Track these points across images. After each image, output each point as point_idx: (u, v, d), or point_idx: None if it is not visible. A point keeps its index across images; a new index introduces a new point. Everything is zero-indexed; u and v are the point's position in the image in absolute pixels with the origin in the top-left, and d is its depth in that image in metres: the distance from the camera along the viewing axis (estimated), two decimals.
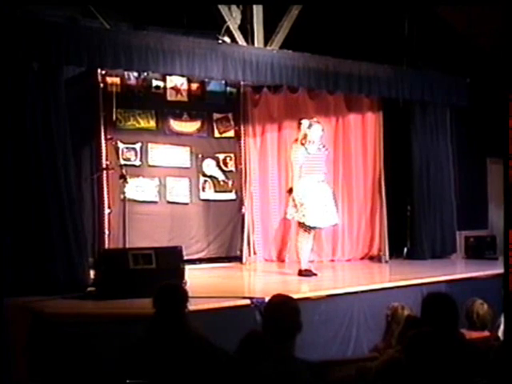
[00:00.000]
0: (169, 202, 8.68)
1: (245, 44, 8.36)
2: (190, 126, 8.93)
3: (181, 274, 5.95)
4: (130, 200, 7.83)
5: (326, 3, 8.54)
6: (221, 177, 9.12)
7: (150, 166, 8.56)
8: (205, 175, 9.00)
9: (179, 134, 8.82)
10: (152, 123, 8.62)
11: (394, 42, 9.17)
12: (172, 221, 8.65)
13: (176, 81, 8.75)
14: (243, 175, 9.21)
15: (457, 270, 8.47)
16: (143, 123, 8.55)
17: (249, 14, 8.54)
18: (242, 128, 9.24)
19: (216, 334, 4.40)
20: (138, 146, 8.48)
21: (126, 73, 8.23)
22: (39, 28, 6.32)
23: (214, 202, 9.03)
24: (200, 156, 8.95)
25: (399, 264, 8.96)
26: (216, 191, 9.08)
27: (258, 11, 8.57)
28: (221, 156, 9.14)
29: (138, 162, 8.47)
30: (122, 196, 7.53)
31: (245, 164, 9.22)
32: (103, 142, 8.10)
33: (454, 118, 9.86)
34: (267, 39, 8.58)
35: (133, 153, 8.44)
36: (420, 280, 6.90)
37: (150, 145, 8.57)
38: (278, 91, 9.29)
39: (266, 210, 9.32)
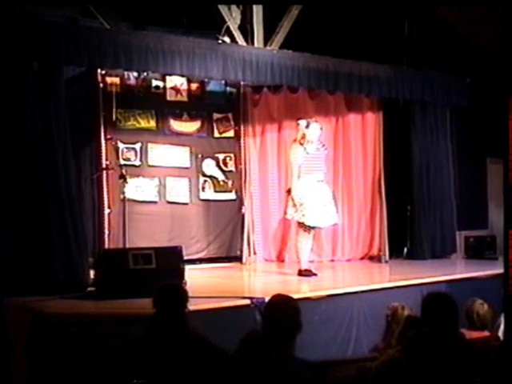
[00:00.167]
0: (169, 202, 8.68)
1: (245, 44, 8.36)
2: (190, 126, 8.93)
3: (181, 274, 5.95)
4: (129, 200, 7.83)
5: (326, 3, 8.54)
6: (221, 177, 9.12)
7: (149, 166, 8.56)
8: (205, 175, 9.00)
9: (179, 134, 8.82)
10: (152, 123, 8.62)
11: (394, 42, 9.17)
12: (172, 221, 8.65)
13: (176, 81, 8.75)
14: (243, 175, 9.21)
15: (457, 270, 8.47)
16: (143, 123, 8.55)
17: (249, 14, 8.53)
18: (242, 128, 9.24)
19: (216, 334, 4.40)
20: (137, 146, 8.48)
21: (125, 73, 8.23)
22: (39, 28, 6.32)
23: (213, 201, 9.03)
24: (200, 156, 8.94)
25: (399, 264, 8.96)
26: (216, 191, 9.08)
27: (257, 11, 8.57)
28: (221, 156, 9.13)
29: (137, 162, 8.47)
30: (121, 196, 7.53)
31: (245, 164, 9.22)
32: (103, 142, 8.10)
33: (454, 118, 9.86)
34: (267, 39, 8.58)
35: (133, 153, 8.44)
36: (420, 280, 6.90)
37: (149, 145, 8.57)
38: (278, 91, 9.29)
39: (266, 210, 9.32)
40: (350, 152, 9.52)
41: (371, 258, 9.44)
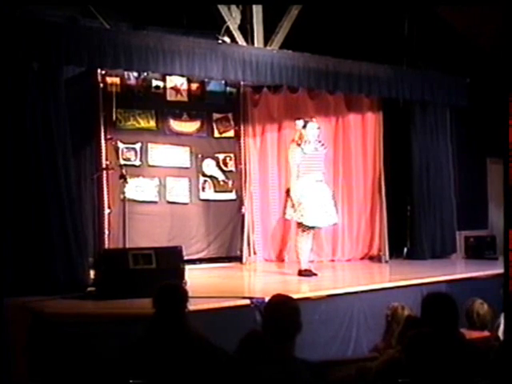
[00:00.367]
0: (169, 202, 8.68)
1: (245, 44, 8.36)
2: (190, 126, 8.94)
3: (181, 274, 5.95)
4: (129, 200, 7.83)
5: (326, 3, 8.54)
6: (221, 177, 9.12)
7: (149, 165, 8.57)
8: (205, 175, 9.00)
9: (179, 134, 8.82)
10: (152, 123, 8.62)
11: (394, 42, 9.17)
12: (172, 221, 8.66)
13: (176, 81, 8.75)
14: (243, 175, 9.21)
15: (457, 270, 8.47)
16: (143, 123, 8.55)
17: (249, 14, 8.54)
18: (242, 128, 9.25)
19: (216, 334, 4.39)
20: (137, 146, 8.48)
21: (125, 73, 8.23)
22: (39, 28, 6.32)
23: (213, 201, 9.03)
24: (200, 156, 8.95)
25: (399, 264, 8.96)
26: (216, 191, 9.08)
27: (257, 11, 8.58)
28: (221, 156, 9.14)
29: (137, 162, 8.47)
30: (121, 196, 7.53)
31: (245, 164, 9.22)
32: (103, 142, 8.10)
33: (454, 118, 9.86)
34: (267, 39, 8.58)
35: (133, 153, 8.44)
36: (420, 280, 6.90)
37: (149, 145, 8.57)
38: (278, 91, 9.29)
39: (266, 210, 9.32)
40: (349, 152, 9.52)
41: (371, 258, 9.44)
